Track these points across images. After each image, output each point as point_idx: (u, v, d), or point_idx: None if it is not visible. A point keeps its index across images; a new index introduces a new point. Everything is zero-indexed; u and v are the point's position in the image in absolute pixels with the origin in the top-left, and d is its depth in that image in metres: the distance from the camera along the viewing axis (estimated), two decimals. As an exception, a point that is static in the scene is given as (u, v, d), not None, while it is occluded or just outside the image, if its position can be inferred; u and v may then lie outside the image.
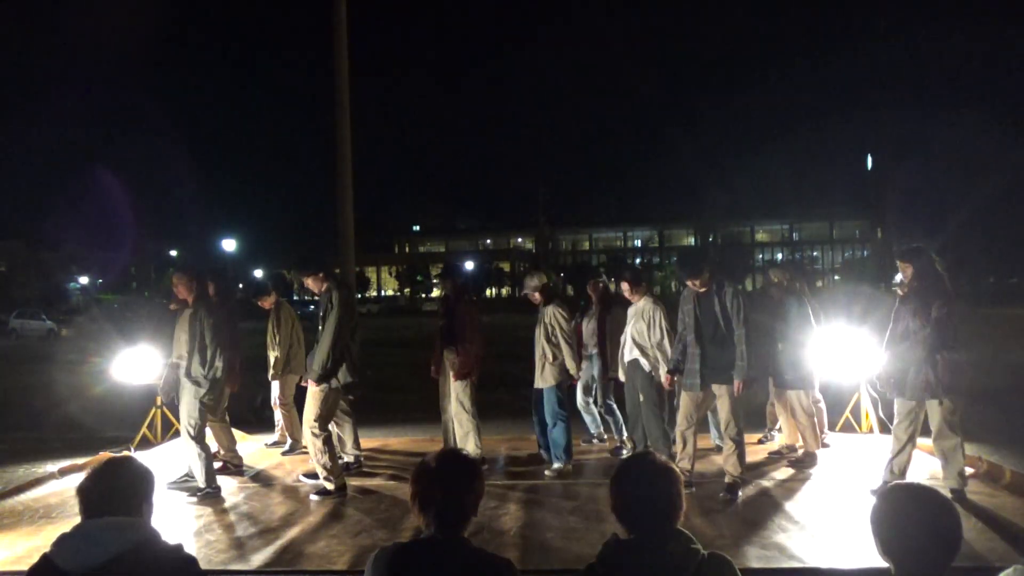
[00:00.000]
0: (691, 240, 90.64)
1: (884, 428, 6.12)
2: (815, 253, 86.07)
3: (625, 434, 6.36)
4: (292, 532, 4.49)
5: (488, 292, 79.95)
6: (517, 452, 6.57)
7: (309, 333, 6.41)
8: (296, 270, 5.48)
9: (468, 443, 5.88)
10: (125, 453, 6.50)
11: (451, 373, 5.96)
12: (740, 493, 5.04)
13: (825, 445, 6.35)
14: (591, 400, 6.76)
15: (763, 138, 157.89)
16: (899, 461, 4.96)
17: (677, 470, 2.03)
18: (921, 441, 5.14)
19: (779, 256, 79.16)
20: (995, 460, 5.56)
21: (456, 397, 5.91)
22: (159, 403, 7.06)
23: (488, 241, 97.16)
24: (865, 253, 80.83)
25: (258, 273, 65.81)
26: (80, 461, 6.28)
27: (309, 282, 5.51)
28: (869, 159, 73.71)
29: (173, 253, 60.33)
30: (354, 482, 5.56)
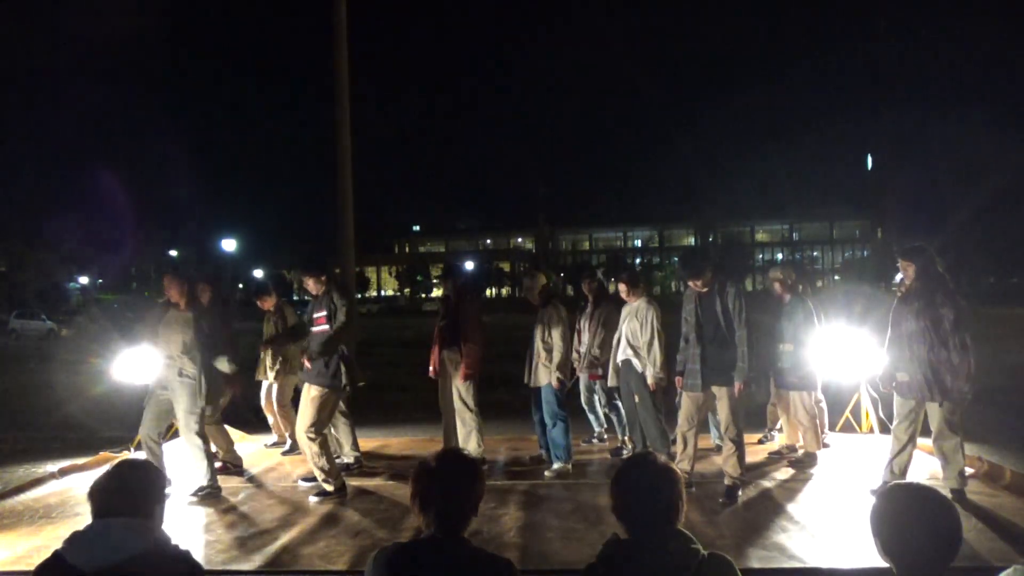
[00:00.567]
0: (691, 240, 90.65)
1: (884, 428, 6.12)
2: (815, 253, 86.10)
3: (627, 434, 6.36)
4: (292, 532, 4.49)
5: (488, 292, 79.92)
6: (517, 452, 6.57)
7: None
8: (299, 270, 5.51)
9: (470, 442, 5.89)
10: (125, 453, 6.53)
11: (452, 373, 5.96)
12: (740, 494, 5.03)
13: (825, 445, 6.34)
14: (595, 398, 6.76)
15: (763, 138, 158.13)
16: (899, 461, 4.96)
17: (677, 471, 2.03)
18: (921, 441, 5.14)
19: (779, 256, 79.21)
20: (995, 460, 5.56)
21: (459, 396, 5.92)
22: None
23: (488, 241, 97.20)
24: (865, 253, 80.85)
25: (258, 273, 65.83)
26: (80, 461, 6.29)
27: (310, 283, 5.53)
28: (869, 159, 73.79)
29: (173, 253, 60.30)
30: (354, 482, 5.56)
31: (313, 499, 5.19)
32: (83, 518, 4.52)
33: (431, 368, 6.19)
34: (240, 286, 55.96)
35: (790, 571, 3.77)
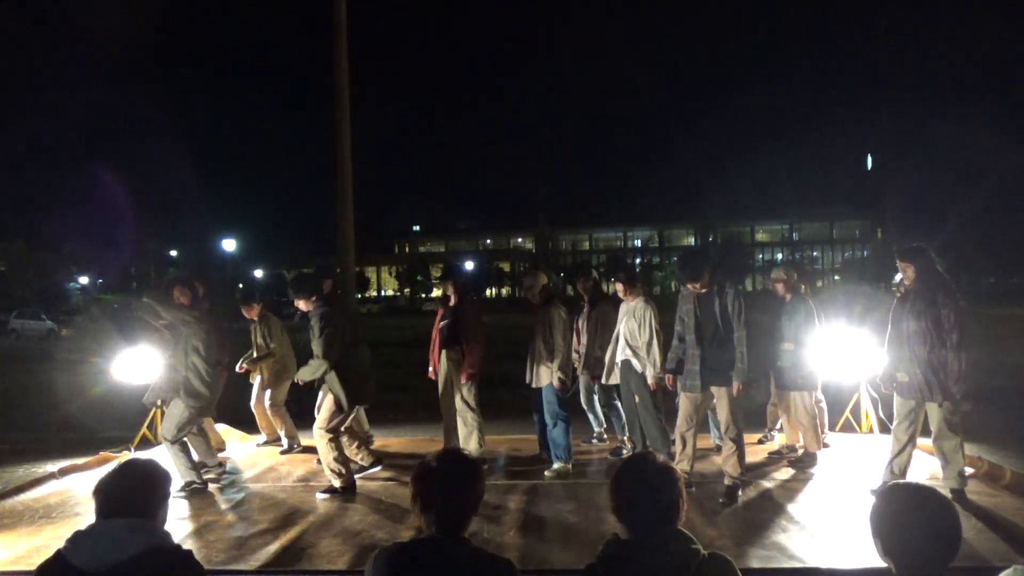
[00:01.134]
0: (691, 240, 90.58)
1: (884, 428, 6.12)
2: (815, 253, 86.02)
3: (626, 434, 6.36)
4: (292, 532, 4.49)
5: (488, 292, 79.92)
6: (517, 452, 6.57)
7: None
8: (290, 287, 5.54)
9: (471, 442, 5.90)
10: (125, 453, 6.53)
11: (453, 372, 5.96)
12: (740, 494, 5.03)
13: (825, 445, 6.34)
14: (595, 398, 6.76)
15: (763, 138, 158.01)
16: (899, 461, 4.96)
17: (677, 470, 2.03)
18: (921, 441, 5.14)
19: (779, 256, 79.20)
20: (995, 460, 5.56)
21: (461, 396, 5.92)
22: (159, 403, 7.06)
23: (488, 241, 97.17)
24: (865, 253, 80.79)
25: (258, 273, 65.83)
26: (80, 461, 6.29)
27: (301, 304, 5.41)
28: (869, 159, 73.72)
29: (173, 253, 60.31)
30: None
31: (320, 496, 5.22)
32: (83, 518, 4.54)
33: (431, 368, 6.18)
34: (240, 286, 55.94)
35: (790, 571, 3.77)
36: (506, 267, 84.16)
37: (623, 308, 5.94)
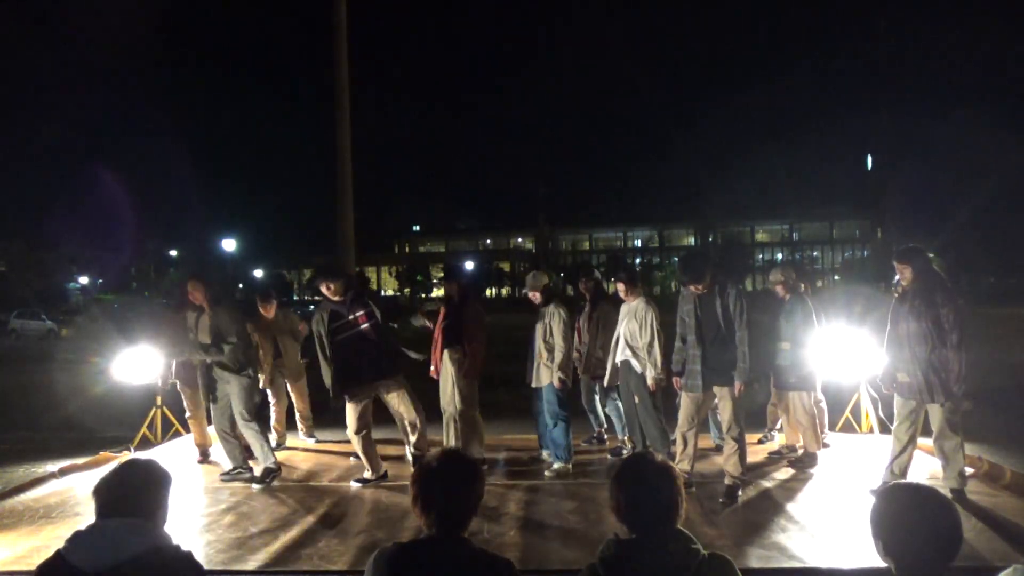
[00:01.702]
0: (691, 240, 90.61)
1: (884, 428, 6.12)
2: (815, 253, 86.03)
3: (626, 434, 6.36)
4: (292, 532, 4.49)
5: (488, 292, 79.91)
6: (517, 452, 6.57)
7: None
8: (319, 275, 5.68)
9: (471, 442, 5.89)
10: (125, 453, 6.53)
11: (453, 372, 5.96)
12: (740, 494, 5.03)
13: (825, 445, 6.34)
14: (596, 398, 6.76)
15: (763, 138, 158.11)
16: (900, 462, 4.96)
17: (676, 470, 2.03)
18: (921, 441, 5.14)
19: (779, 256, 79.19)
20: (995, 460, 5.56)
21: (461, 396, 5.92)
22: (159, 403, 7.06)
23: (488, 241, 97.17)
24: (865, 253, 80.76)
25: (258, 273, 65.81)
26: (80, 461, 6.29)
27: (330, 287, 5.62)
28: (869, 159, 73.71)
29: (173, 253, 60.33)
30: (354, 483, 5.57)
31: (354, 484, 5.57)
32: (83, 518, 4.53)
33: (431, 368, 6.18)
34: (240, 286, 55.92)
35: (790, 571, 3.77)
36: (506, 267, 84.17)
37: (624, 309, 5.93)
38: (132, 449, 6.72)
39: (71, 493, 5.50)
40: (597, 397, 6.74)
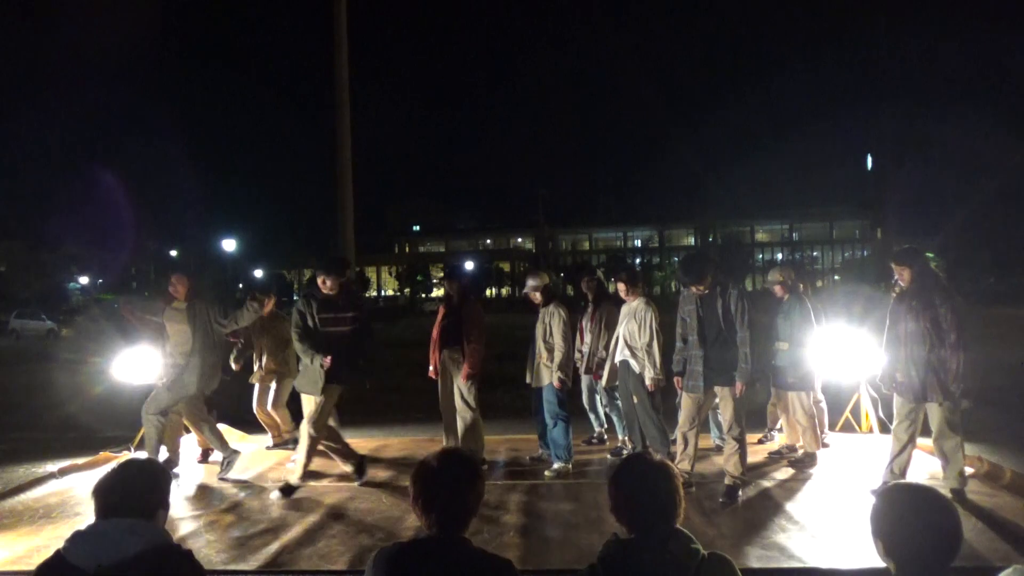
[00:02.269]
0: (691, 240, 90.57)
1: (884, 428, 6.11)
2: (815, 253, 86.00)
3: (626, 434, 6.36)
4: (292, 532, 4.49)
5: (488, 292, 79.90)
6: (517, 452, 6.57)
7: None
8: (320, 269, 5.65)
9: (471, 442, 5.89)
10: (125, 453, 6.52)
11: (453, 372, 5.97)
12: (740, 494, 5.03)
13: (825, 445, 6.34)
14: (597, 398, 6.76)
15: (763, 138, 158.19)
16: (900, 462, 4.96)
17: (675, 469, 2.04)
18: (921, 441, 5.14)
19: (779, 256, 79.18)
20: (995, 460, 5.56)
21: (461, 396, 5.92)
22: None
23: (488, 241, 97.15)
24: (865, 253, 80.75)
25: (258, 273, 65.81)
26: (80, 461, 6.28)
27: (324, 284, 5.55)
28: (869, 159, 73.75)
29: (173, 253, 60.32)
30: (354, 483, 5.57)
31: (274, 494, 5.40)
32: (83, 518, 4.53)
33: (431, 368, 6.18)
34: (240, 286, 55.95)
35: (790, 571, 3.76)
36: (506, 267, 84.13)
37: (624, 309, 5.93)
38: (132, 449, 6.71)
39: (71, 493, 5.50)
40: (598, 397, 6.74)
